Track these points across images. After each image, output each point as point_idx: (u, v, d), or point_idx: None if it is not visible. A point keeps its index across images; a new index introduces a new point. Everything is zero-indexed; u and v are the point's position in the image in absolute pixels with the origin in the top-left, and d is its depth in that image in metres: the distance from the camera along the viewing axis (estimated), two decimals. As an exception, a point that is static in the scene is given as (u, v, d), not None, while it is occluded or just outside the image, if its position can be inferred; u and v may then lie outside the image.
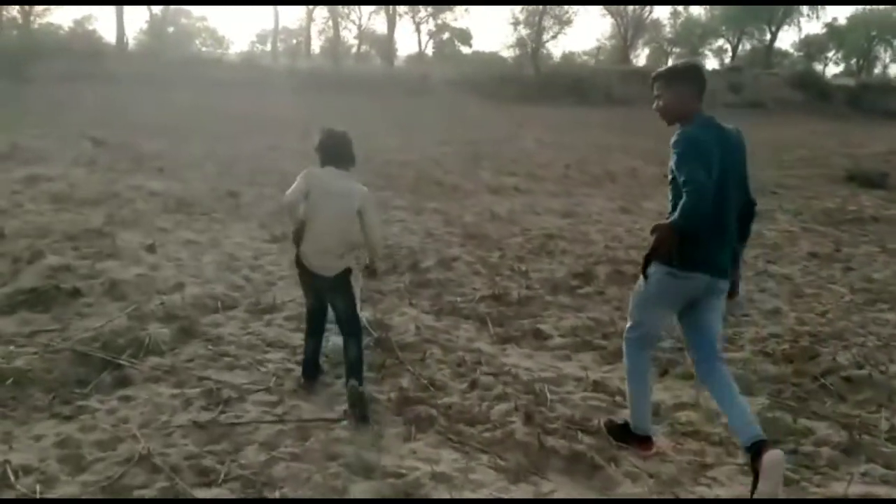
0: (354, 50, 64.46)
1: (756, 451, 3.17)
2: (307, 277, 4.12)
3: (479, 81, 39.61)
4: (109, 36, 59.95)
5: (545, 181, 12.54)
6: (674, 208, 3.31)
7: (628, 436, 3.72)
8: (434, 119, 25.47)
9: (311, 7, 54.30)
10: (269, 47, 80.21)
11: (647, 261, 3.39)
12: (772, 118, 36.34)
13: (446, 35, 67.48)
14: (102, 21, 72.98)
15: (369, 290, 5.96)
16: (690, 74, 3.49)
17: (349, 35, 63.41)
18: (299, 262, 4.09)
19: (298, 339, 4.69)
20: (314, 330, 4.32)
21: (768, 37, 58.25)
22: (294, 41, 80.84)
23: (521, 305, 5.94)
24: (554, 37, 43.23)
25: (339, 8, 52.11)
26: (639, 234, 8.29)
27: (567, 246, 7.95)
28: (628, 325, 3.66)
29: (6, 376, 3.97)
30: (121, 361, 4.32)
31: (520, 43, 43.44)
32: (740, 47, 60.92)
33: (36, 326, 4.85)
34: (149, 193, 9.48)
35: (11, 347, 4.41)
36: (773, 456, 3.12)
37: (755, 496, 3.12)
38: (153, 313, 5.14)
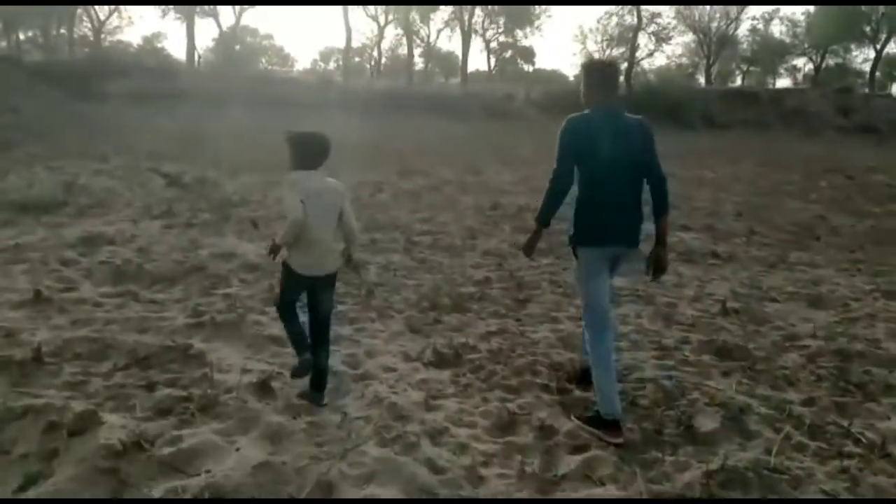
0: (418, 68, 62.36)
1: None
2: (303, 282, 4.10)
3: (568, 102, 36.77)
4: (176, 54, 59.13)
5: (731, 241, 9.64)
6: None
7: (599, 424, 3.90)
8: (532, 145, 22.80)
9: (382, 24, 52.44)
10: (332, 65, 79.27)
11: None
12: (890, 143, 32.80)
13: (509, 53, 65.11)
14: (171, 39, 72.73)
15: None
16: (592, 70, 4.14)
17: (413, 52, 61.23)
18: (292, 270, 4.06)
19: None
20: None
21: (858, 55, 54.08)
22: (356, 59, 79.63)
23: None
24: (650, 54, 40.26)
25: (412, 24, 49.92)
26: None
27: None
28: (583, 311, 4.13)
29: None
30: None
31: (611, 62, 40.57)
32: (823, 65, 57.08)
33: None
34: (245, 267, 6.95)
35: None
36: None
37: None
38: None
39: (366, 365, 4.83)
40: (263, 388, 4.26)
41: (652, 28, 40.08)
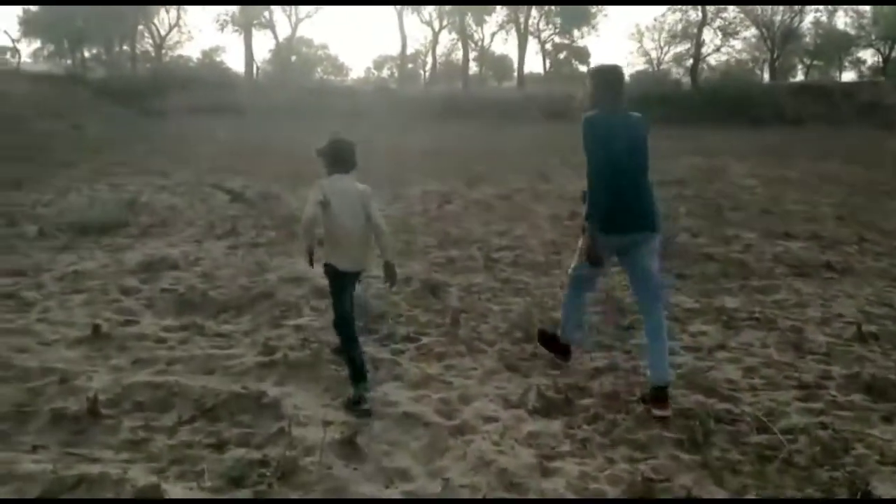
0: (471, 72, 61.53)
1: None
2: (344, 281, 4.38)
3: (630, 102, 35.68)
4: (235, 67, 59.71)
5: (841, 249, 8.69)
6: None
7: (554, 343, 4.97)
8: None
9: (436, 29, 52.02)
10: (385, 72, 79.22)
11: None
12: None
13: (563, 54, 63.89)
14: (229, 52, 73.79)
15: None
16: (599, 74, 4.49)
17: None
18: (333, 271, 4.35)
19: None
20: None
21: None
22: (409, 65, 79.36)
23: None
24: (717, 49, 38.71)
25: (468, 28, 49.35)
26: None
27: None
28: (572, 265, 4.79)
29: None
30: None
31: (676, 58, 39.18)
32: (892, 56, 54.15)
33: None
34: (315, 292, 6.38)
35: None
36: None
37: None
38: None
39: (462, 413, 4.17)
40: (349, 447, 3.65)
41: (717, 23, 38.53)
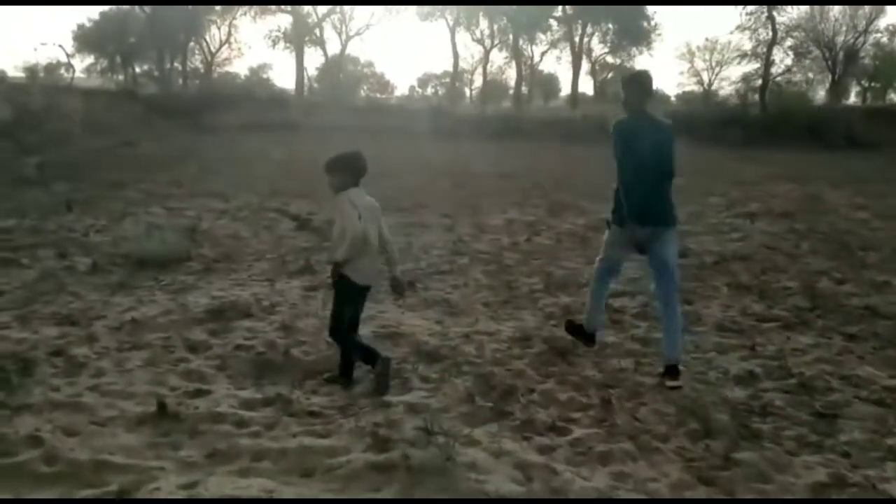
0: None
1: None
2: (358, 296, 4.61)
3: (692, 124, 34.24)
4: (281, 84, 59.48)
5: None
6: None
7: (580, 332, 5.39)
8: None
9: (488, 47, 51.07)
10: (429, 91, 78.54)
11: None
12: None
13: (610, 74, 62.45)
14: (276, 69, 73.89)
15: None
16: (630, 81, 5.06)
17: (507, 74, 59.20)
18: (351, 285, 4.47)
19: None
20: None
21: None
22: (455, 84, 78.63)
23: None
24: (788, 70, 36.97)
25: (521, 46, 48.35)
26: None
27: None
28: (598, 257, 5.29)
29: None
30: None
31: (744, 78, 37.54)
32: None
33: None
34: (422, 355, 5.25)
35: None
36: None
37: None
38: None
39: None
40: None
41: (789, 42, 36.86)
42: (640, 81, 4.99)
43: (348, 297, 4.56)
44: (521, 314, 6.41)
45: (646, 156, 4.70)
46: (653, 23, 45.62)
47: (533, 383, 4.86)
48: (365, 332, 5.64)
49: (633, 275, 6.92)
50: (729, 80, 45.46)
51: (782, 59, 38.02)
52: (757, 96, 37.31)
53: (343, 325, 4.61)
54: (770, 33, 36.96)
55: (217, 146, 23.03)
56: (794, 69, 37.83)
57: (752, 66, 38.41)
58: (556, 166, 20.59)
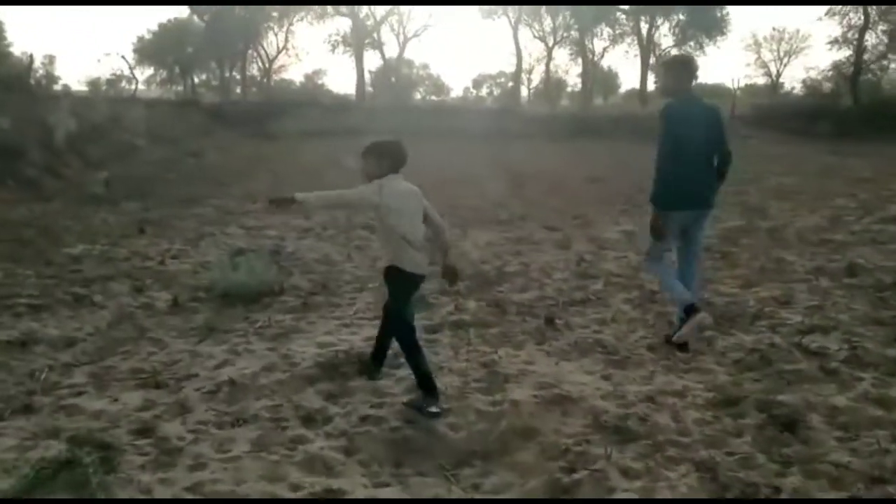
0: (576, 89, 58.45)
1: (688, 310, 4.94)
2: (410, 286, 4.34)
3: (778, 117, 32.31)
4: (335, 89, 58.85)
5: None
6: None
7: (685, 320, 5.02)
8: (793, 172, 18.89)
9: (550, 44, 49.54)
10: (483, 92, 77.13)
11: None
12: None
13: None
14: (330, 75, 73.26)
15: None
16: (673, 64, 5.25)
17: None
18: (403, 275, 4.25)
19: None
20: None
21: None
22: (510, 84, 77.05)
23: None
24: (882, 56, 34.28)
25: (587, 43, 46.73)
26: None
27: None
28: (648, 253, 5.32)
29: None
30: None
31: (835, 67, 35.08)
32: None
33: None
34: (601, 427, 4.01)
35: None
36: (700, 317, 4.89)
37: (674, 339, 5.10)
38: None
39: None
40: None
41: (883, 27, 34.23)
42: (686, 63, 5.18)
43: (403, 289, 4.36)
44: (701, 362, 5.11)
45: (700, 139, 4.84)
46: (724, 12, 43.42)
47: (770, 475, 3.57)
48: (523, 395, 4.44)
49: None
50: (809, 68, 42.93)
51: (875, 44, 35.37)
52: (833, 86, 35.05)
53: (409, 322, 4.37)
54: (862, 17, 34.55)
55: (284, 154, 22.18)
56: (891, 55, 35.22)
57: (843, 53, 35.94)
58: (645, 167, 19.08)
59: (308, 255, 8.49)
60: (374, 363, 4.73)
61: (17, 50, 36.79)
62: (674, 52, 53.20)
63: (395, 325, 4.42)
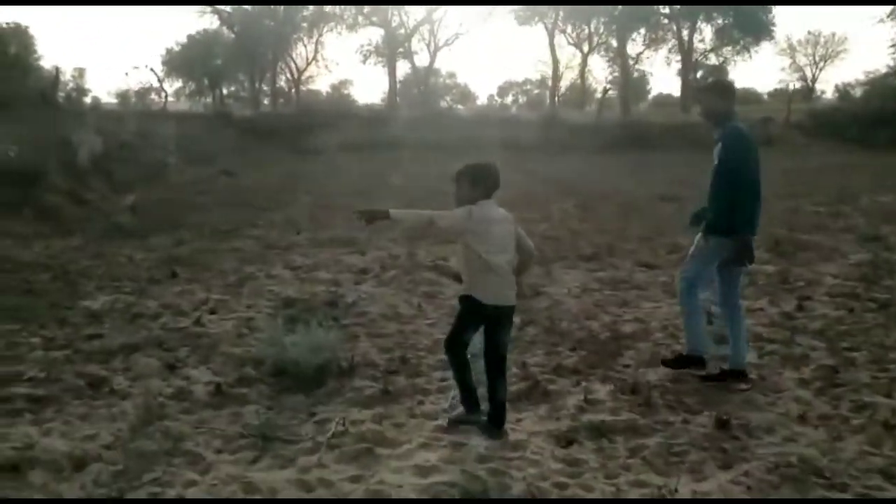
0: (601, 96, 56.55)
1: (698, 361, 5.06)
2: (485, 312, 4.10)
3: (835, 124, 30.50)
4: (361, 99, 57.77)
5: None
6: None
7: (682, 361, 5.12)
8: (861, 182, 17.24)
9: (585, 50, 47.95)
10: (509, 99, 75.63)
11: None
12: None
13: (700, 72, 58.18)
14: (356, 85, 72.19)
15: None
16: (724, 87, 5.17)
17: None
18: (475, 303, 4.09)
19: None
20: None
21: None
22: (535, 91, 75.54)
23: None
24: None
25: (629, 50, 45.07)
26: None
27: None
28: (686, 276, 5.11)
29: None
30: None
31: None
32: None
33: None
34: None
35: None
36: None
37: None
38: None
39: None
40: None
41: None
42: (731, 86, 5.24)
43: (469, 317, 4.19)
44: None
45: (757, 163, 4.81)
46: (771, 14, 41.60)
47: None
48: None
49: None
50: (868, 72, 40.80)
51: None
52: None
53: (458, 340, 4.24)
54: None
55: (322, 172, 20.83)
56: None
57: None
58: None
59: (372, 309, 7.01)
60: (473, 415, 4.35)
61: (47, 63, 35.85)
62: (712, 56, 51.47)
63: (448, 347, 4.28)
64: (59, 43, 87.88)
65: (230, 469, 3.91)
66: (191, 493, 3.67)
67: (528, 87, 78.66)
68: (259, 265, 8.94)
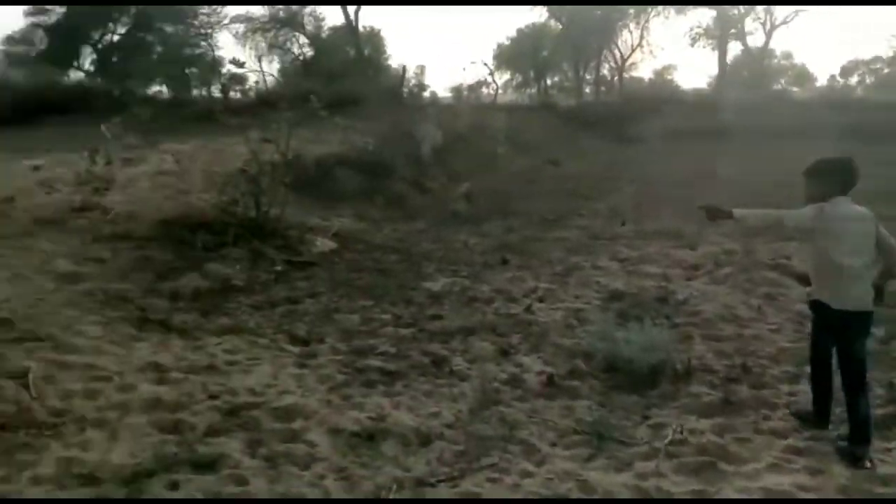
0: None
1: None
2: (832, 317, 3.84)
3: None
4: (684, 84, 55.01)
5: None
6: None
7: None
8: None
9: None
10: (853, 80, 66.61)
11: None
12: None
13: None
14: (680, 70, 68.72)
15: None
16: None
17: None
18: (819, 306, 3.91)
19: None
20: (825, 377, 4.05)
21: None
22: (885, 71, 65.80)
23: None
24: None
25: None
26: None
27: None
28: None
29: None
30: None
31: None
32: None
33: None
34: None
35: None
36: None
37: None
38: None
39: None
40: None
41: None
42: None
43: (818, 322, 4.00)
44: None
45: None
46: None
47: None
48: None
49: None
50: None
51: None
52: None
53: (818, 356, 4.03)
54: None
55: (646, 161, 20.28)
56: None
57: None
58: None
59: (706, 308, 6.58)
60: (816, 417, 4.17)
61: (394, 62, 39.72)
62: None
63: (812, 358, 4.15)
64: (404, 42, 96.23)
65: (565, 465, 3.89)
66: (526, 484, 3.71)
67: (879, 65, 69.28)
68: (585, 255, 8.92)
